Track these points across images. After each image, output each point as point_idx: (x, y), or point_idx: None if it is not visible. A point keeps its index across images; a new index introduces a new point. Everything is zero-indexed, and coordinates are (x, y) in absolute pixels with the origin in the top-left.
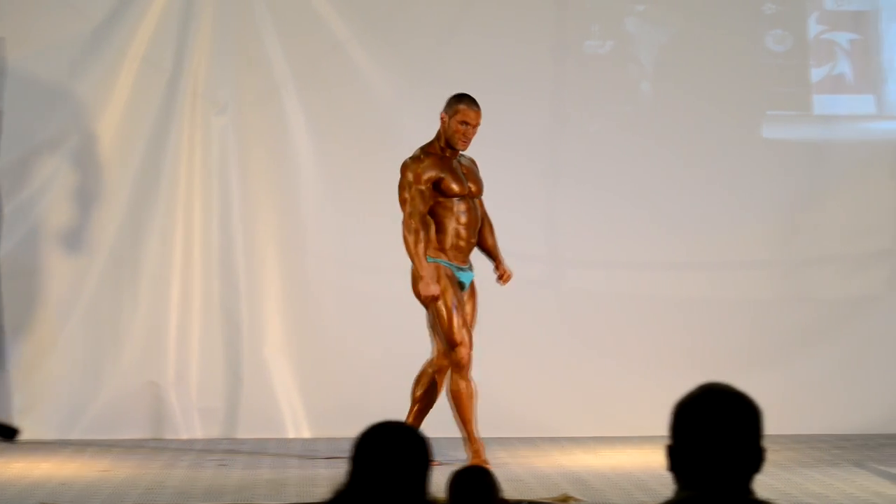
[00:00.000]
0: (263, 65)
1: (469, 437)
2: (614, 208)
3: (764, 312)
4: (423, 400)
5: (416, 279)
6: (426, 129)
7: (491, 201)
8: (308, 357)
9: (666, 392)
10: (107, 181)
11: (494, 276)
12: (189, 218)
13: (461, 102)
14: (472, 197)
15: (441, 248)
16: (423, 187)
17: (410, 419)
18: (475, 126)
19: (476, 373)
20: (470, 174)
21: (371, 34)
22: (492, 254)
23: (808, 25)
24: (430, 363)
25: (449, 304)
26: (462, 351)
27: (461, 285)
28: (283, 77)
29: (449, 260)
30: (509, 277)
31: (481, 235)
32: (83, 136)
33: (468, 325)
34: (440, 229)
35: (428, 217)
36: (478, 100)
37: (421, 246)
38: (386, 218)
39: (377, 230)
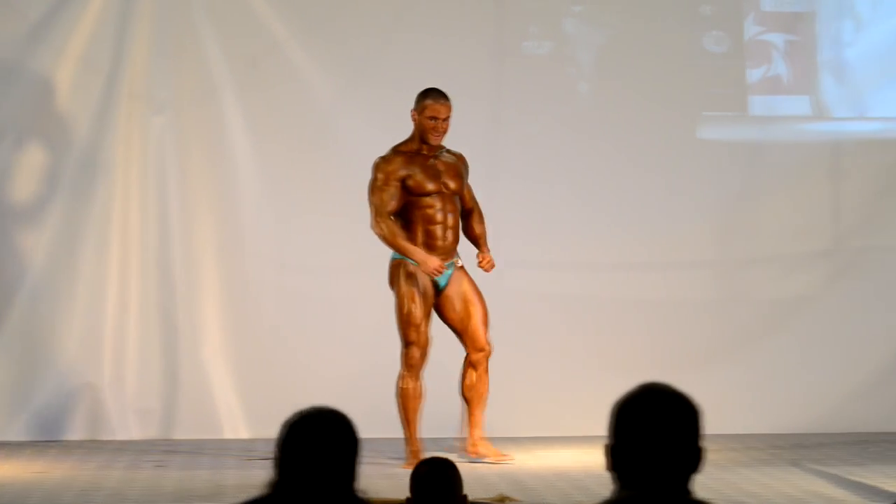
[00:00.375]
0: (201, 65)
1: (409, 438)
2: (552, 209)
3: (701, 313)
4: (467, 396)
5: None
6: (365, 129)
7: None
8: (246, 358)
9: (602, 392)
10: (43, 182)
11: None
12: (126, 219)
13: (427, 97)
14: (454, 194)
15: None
16: (391, 187)
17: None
18: (445, 119)
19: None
20: (449, 170)
21: (309, 34)
22: (477, 242)
23: (745, 26)
24: (465, 360)
25: (408, 303)
26: (414, 351)
27: (435, 284)
28: (222, 77)
29: None
30: (490, 264)
31: (468, 225)
32: (19, 136)
33: (426, 326)
34: (410, 228)
35: (396, 217)
36: (414, 100)
37: (399, 238)
38: (326, 218)
39: (316, 231)
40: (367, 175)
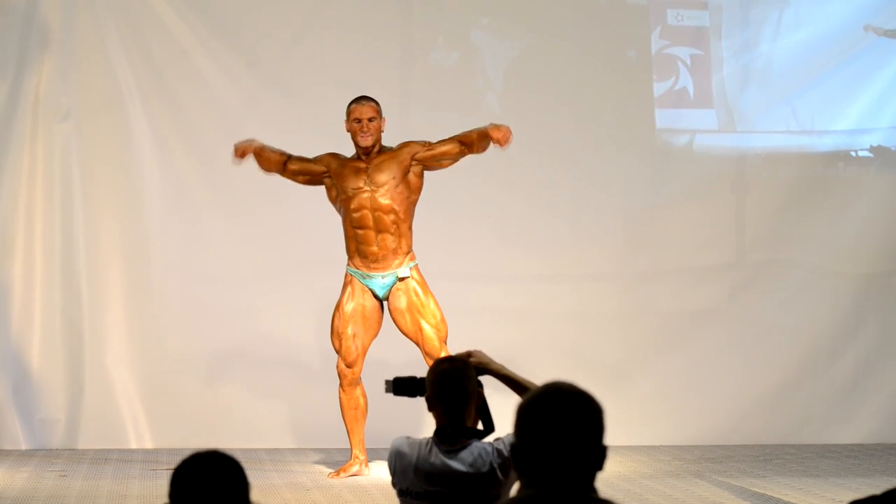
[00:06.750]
0: (107, 72)
1: (351, 447)
2: (458, 221)
3: (606, 325)
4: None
5: None
6: (271, 136)
7: (333, 215)
8: (151, 367)
9: (509, 404)
10: None
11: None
12: (30, 226)
13: (350, 104)
14: (387, 188)
15: (349, 255)
16: (314, 161)
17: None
18: (368, 119)
19: (319, 388)
20: (381, 167)
21: (216, 42)
22: (482, 134)
23: (652, 40)
24: None
25: (334, 313)
26: (339, 360)
27: (377, 297)
28: (127, 84)
29: (355, 267)
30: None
31: (474, 147)
32: None
33: (353, 338)
34: (344, 234)
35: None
36: (323, 108)
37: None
38: (232, 226)
39: (221, 239)
40: (273, 183)
